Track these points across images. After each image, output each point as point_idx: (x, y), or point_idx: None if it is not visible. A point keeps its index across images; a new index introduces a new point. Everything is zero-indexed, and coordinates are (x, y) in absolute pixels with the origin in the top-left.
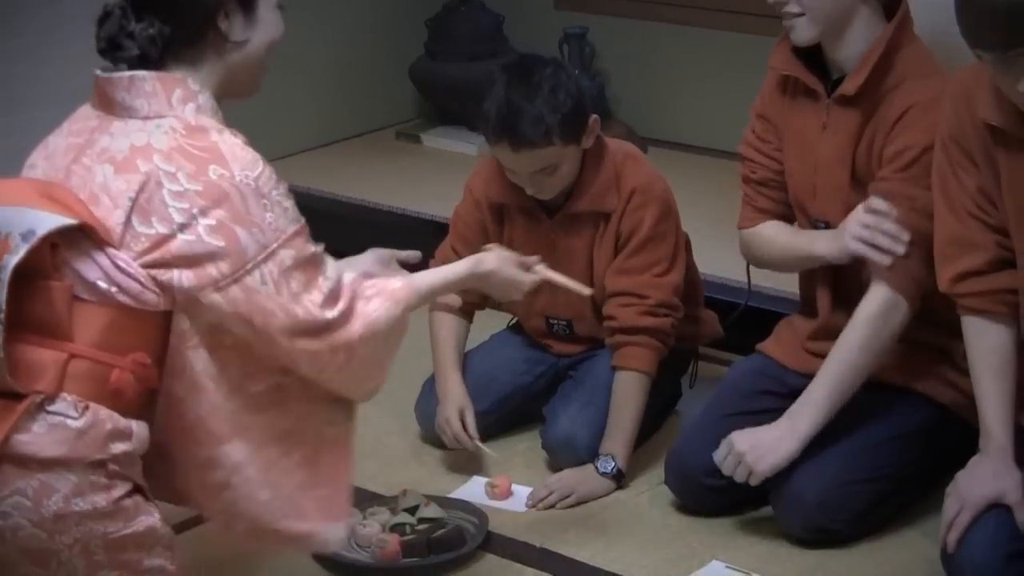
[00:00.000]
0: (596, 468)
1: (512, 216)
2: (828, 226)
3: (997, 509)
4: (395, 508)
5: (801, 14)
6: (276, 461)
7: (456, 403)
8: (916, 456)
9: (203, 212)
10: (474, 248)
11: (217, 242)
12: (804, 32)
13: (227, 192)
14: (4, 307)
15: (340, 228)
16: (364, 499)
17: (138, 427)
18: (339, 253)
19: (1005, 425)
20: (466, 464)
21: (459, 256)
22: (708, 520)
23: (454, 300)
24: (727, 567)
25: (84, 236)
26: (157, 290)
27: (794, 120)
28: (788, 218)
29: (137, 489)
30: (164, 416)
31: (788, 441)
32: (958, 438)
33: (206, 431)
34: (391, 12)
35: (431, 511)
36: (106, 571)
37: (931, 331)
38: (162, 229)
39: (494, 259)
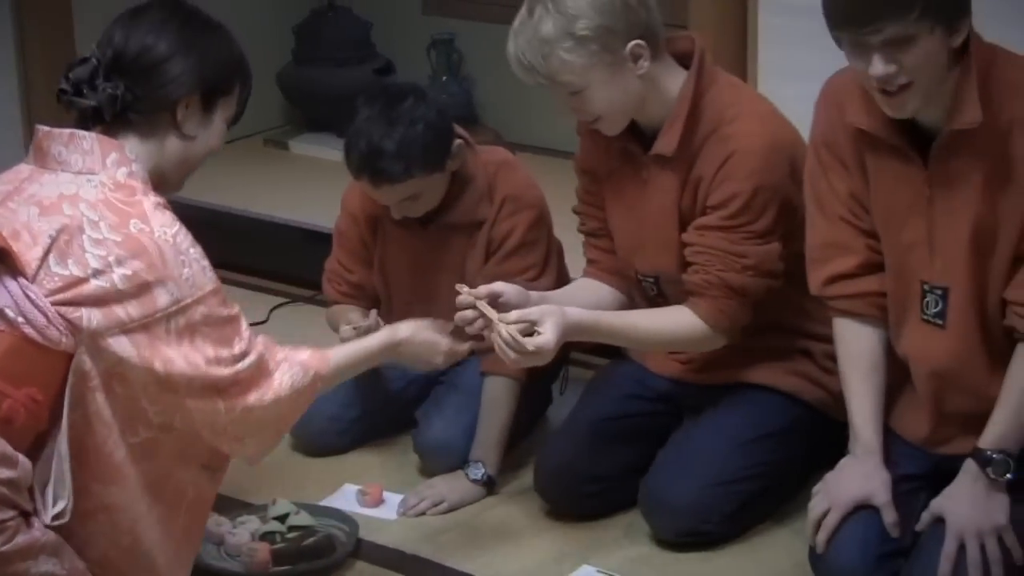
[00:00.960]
0: (467, 475)
1: (387, 229)
2: (657, 281)
3: (866, 510)
4: (265, 516)
5: (597, 118)
6: (143, 514)
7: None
8: (785, 455)
9: (119, 262)
10: (360, 260)
11: (129, 290)
12: (610, 129)
13: (145, 246)
14: None
15: (208, 236)
16: (233, 507)
17: (24, 460)
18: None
19: (874, 427)
20: (337, 472)
21: (347, 270)
22: (578, 525)
23: (349, 302)
24: (598, 571)
25: (2, 262)
26: (63, 328)
27: (614, 177)
28: (620, 268)
29: (22, 514)
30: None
31: None
32: (826, 436)
33: (98, 465)
34: (258, 17)
35: (301, 519)
36: None
37: (788, 336)
38: (76, 272)
39: (408, 327)
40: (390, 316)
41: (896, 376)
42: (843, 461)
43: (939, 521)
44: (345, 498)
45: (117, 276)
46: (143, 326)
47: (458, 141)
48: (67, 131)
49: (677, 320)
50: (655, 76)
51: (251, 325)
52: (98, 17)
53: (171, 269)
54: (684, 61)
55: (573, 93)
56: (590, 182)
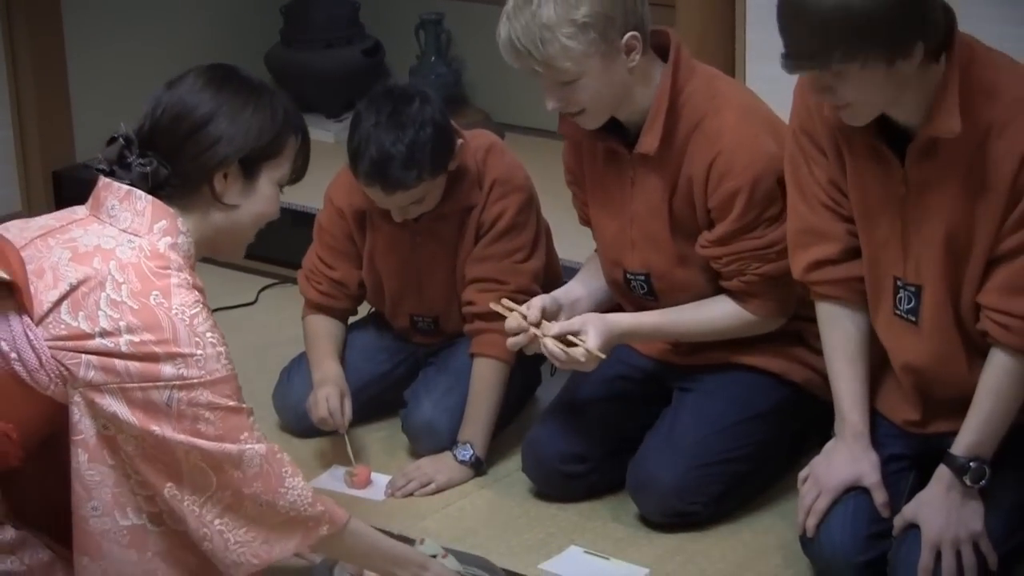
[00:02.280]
0: (455, 456)
1: (375, 223)
2: (647, 279)
3: (855, 492)
4: None
5: (581, 111)
6: None
7: (338, 385)
8: (772, 436)
9: (130, 329)
10: (341, 258)
11: (134, 354)
12: (591, 123)
13: (159, 320)
14: None
15: None
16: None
17: None
18: None
19: (860, 410)
20: (325, 453)
21: (328, 266)
22: (566, 506)
23: (328, 302)
24: (585, 552)
25: (8, 295)
26: (54, 375)
27: (599, 180)
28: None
29: None
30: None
31: None
32: (814, 416)
33: (69, 528)
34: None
35: (448, 563)
36: None
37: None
38: (84, 327)
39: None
40: (381, 308)
41: (881, 359)
42: (829, 445)
43: (912, 526)
44: (333, 479)
45: (124, 341)
46: (142, 390)
47: (459, 140)
48: (125, 188)
49: (727, 314)
50: (642, 69)
51: (239, 306)
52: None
53: (182, 347)
54: (662, 55)
55: (565, 83)
56: (572, 181)
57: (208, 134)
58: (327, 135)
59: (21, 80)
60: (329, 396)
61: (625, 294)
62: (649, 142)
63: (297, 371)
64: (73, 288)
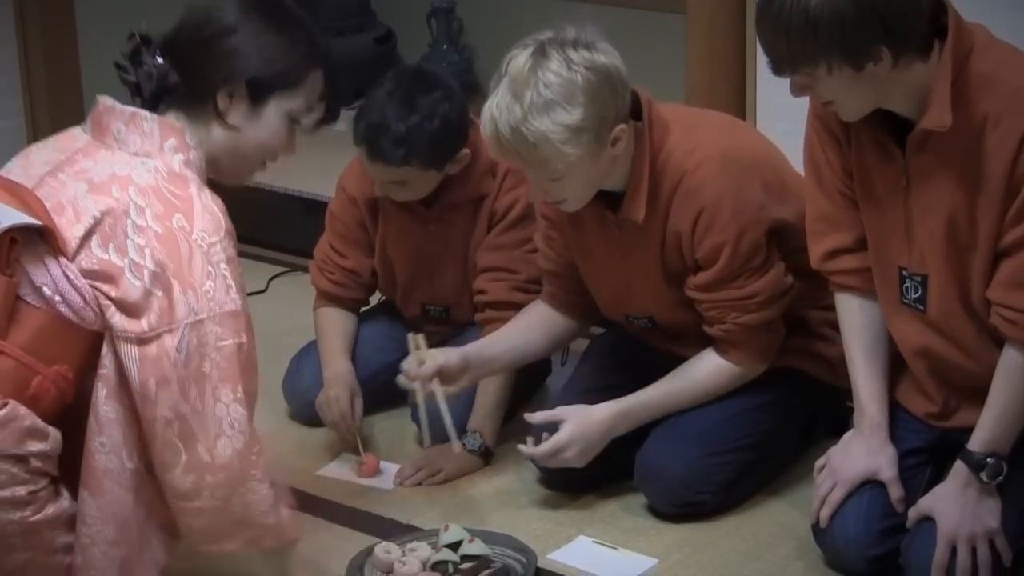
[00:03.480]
0: (464, 445)
1: (388, 211)
2: (652, 321)
3: (871, 485)
4: (436, 544)
5: (564, 200)
6: (110, 542)
7: (348, 385)
8: (779, 424)
9: (154, 256)
10: (355, 244)
11: (156, 291)
12: (574, 207)
13: (179, 244)
14: None
15: None
16: (401, 532)
17: (54, 431)
18: None
19: (879, 402)
20: (334, 441)
21: (340, 255)
22: (574, 496)
23: (339, 292)
24: (593, 542)
25: (42, 240)
26: (97, 309)
27: (584, 233)
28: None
29: (52, 481)
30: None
31: None
32: (822, 403)
33: (79, 462)
34: None
35: (475, 547)
36: (20, 553)
37: (791, 302)
38: (116, 260)
39: None
40: (392, 297)
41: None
42: (847, 436)
43: (926, 519)
44: (342, 468)
45: (147, 272)
46: (157, 336)
47: (465, 151)
48: (129, 109)
49: (712, 371)
50: (620, 148)
51: (250, 295)
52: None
53: (195, 277)
54: (634, 114)
55: (552, 179)
56: (549, 227)
57: (222, 46)
58: (338, 123)
59: (32, 70)
60: (340, 397)
61: (626, 327)
62: (635, 210)
63: (307, 360)
64: (98, 221)
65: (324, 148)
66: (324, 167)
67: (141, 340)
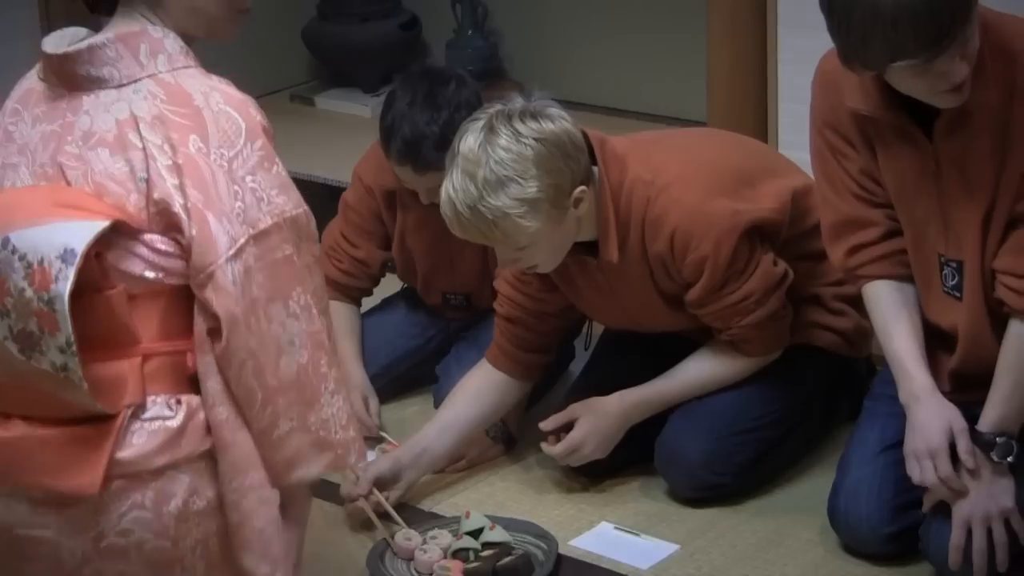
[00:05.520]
0: (487, 432)
1: (406, 202)
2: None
3: (883, 461)
4: (457, 531)
5: (535, 266)
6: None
7: (362, 391)
8: (798, 400)
9: (186, 191)
10: (366, 237)
11: (200, 232)
12: (547, 268)
13: (201, 170)
14: (73, 339)
15: None
16: (422, 519)
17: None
18: None
19: (924, 368)
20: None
21: (351, 244)
22: (596, 482)
23: (347, 281)
24: (616, 528)
25: (117, 233)
26: (181, 258)
27: (571, 279)
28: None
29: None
30: None
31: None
32: (841, 375)
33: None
34: None
35: (496, 535)
36: (220, 570)
37: (795, 286)
38: (173, 206)
39: None
40: (413, 285)
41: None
42: (909, 415)
43: (943, 502)
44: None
45: (191, 208)
46: (209, 275)
47: None
48: (83, 47)
49: (729, 361)
50: (584, 205)
51: None
52: None
53: (224, 201)
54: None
55: (519, 248)
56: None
57: None
58: (364, 109)
59: None
60: (354, 404)
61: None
62: (610, 252)
63: None
64: (146, 180)
65: (350, 134)
66: (350, 152)
67: (200, 284)
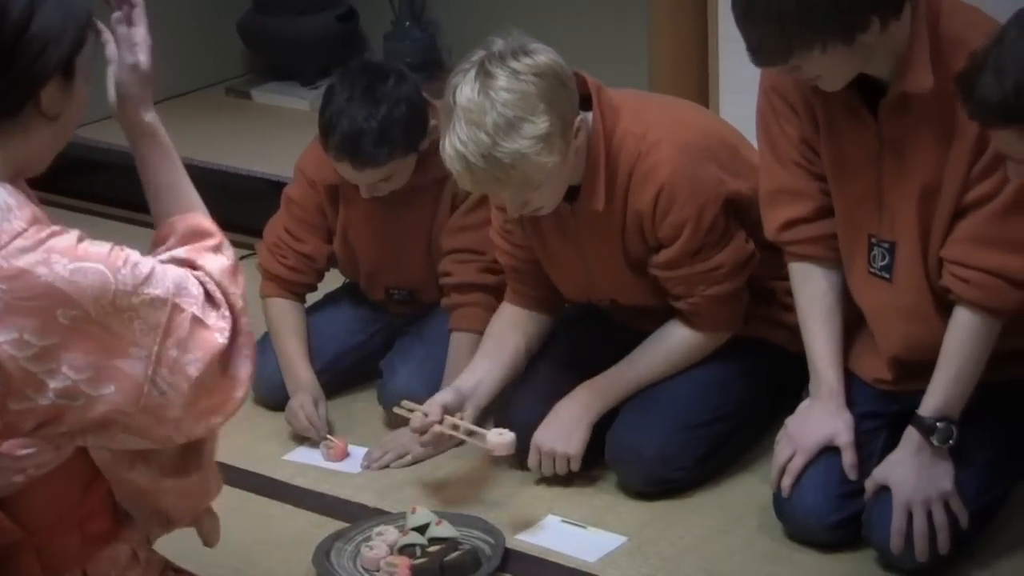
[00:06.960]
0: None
1: (349, 196)
2: (614, 301)
3: (828, 452)
4: (403, 527)
5: (540, 207)
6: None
7: (311, 392)
8: (750, 393)
9: (74, 367)
10: (311, 231)
11: (106, 390)
12: (548, 210)
13: (89, 333)
14: None
15: None
16: (368, 515)
17: None
18: None
19: (835, 368)
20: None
21: (296, 239)
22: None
23: (293, 276)
24: (562, 521)
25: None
26: (54, 447)
27: (539, 231)
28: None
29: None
30: None
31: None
32: (789, 371)
33: None
34: None
35: (443, 530)
36: None
37: (758, 274)
38: (42, 401)
39: None
40: (355, 280)
41: (853, 318)
42: (804, 404)
43: (884, 489)
44: (310, 452)
45: (84, 383)
46: (140, 409)
47: (433, 122)
48: None
49: (680, 341)
50: (576, 147)
51: None
52: None
53: (124, 337)
54: (582, 102)
55: (534, 189)
56: (506, 219)
57: (35, 35)
58: (302, 103)
59: None
60: (304, 404)
61: (590, 305)
62: (595, 199)
63: (271, 344)
64: None
65: (288, 128)
66: (288, 147)
67: (128, 427)
